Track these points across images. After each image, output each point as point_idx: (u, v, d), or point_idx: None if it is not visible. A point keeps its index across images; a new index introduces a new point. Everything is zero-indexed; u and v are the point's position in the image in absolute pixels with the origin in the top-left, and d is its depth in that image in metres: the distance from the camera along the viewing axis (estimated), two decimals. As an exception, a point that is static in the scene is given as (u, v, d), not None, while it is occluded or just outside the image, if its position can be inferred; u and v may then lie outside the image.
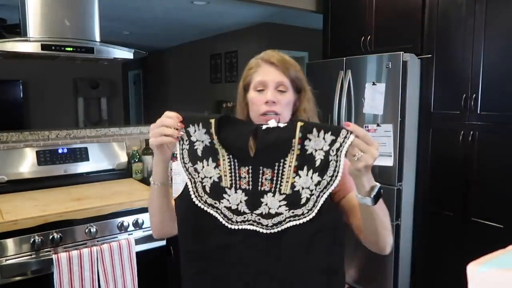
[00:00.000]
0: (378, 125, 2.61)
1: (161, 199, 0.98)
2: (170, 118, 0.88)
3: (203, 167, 0.87)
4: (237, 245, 0.86)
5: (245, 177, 0.86)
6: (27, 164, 2.17)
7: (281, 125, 0.85)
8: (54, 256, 1.63)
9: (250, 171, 0.86)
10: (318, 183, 0.82)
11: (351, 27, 3.01)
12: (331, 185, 0.82)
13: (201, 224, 0.88)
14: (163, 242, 1.97)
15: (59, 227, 1.72)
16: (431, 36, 2.51)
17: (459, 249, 2.41)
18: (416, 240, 2.68)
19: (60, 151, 2.28)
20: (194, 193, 0.88)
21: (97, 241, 1.80)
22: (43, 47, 1.95)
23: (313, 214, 0.82)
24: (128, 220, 1.89)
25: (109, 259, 1.75)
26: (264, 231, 0.84)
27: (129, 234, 1.89)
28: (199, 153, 0.87)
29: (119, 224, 1.86)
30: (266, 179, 0.85)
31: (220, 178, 0.87)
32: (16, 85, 6.13)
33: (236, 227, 0.85)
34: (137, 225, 1.91)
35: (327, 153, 0.81)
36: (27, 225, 1.64)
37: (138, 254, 1.84)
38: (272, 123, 0.85)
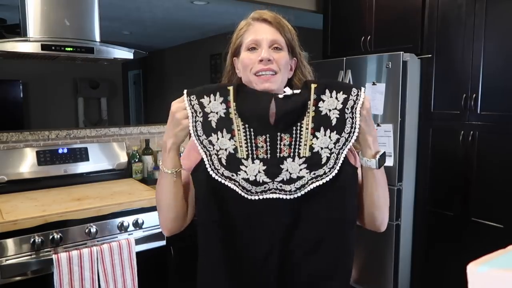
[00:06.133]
0: (378, 125, 2.61)
1: (176, 189, 0.94)
2: (177, 110, 0.89)
3: (217, 139, 0.86)
4: (258, 214, 0.87)
5: (262, 146, 0.85)
6: (27, 164, 2.17)
7: (296, 91, 0.86)
8: (54, 256, 1.63)
9: (268, 139, 0.85)
10: (337, 140, 0.84)
11: (351, 27, 3.01)
12: (350, 140, 0.85)
13: (220, 196, 0.88)
14: (163, 242, 1.97)
15: (59, 227, 1.72)
16: (431, 36, 2.51)
17: (459, 249, 2.41)
18: (416, 240, 2.67)
19: (60, 151, 2.28)
20: (210, 166, 0.87)
21: (97, 241, 1.80)
22: (43, 47, 1.95)
23: (335, 171, 0.84)
24: (128, 220, 1.89)
25: (109, 259, 1.75)
26: (288, 196, 0.85)
27: (129, 234, 1.89)
28: (213, 124, 0.86)
29: (119, 224, 1.86)
30: (284, 144, 0.85)
31: (235, 149, 0.86)
32: (16, 85, 6.12)
33: (256, 197, 0.85)
34: (137, 225, 1.91)
35: (342, 112, 0.84)
36: (27, 225, 1.64)
37: (138, 254, 1.84)
38: (288, 91, 0.86)
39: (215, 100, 0.86)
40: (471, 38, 2.30)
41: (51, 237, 1.69)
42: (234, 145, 0.86)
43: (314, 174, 0.85)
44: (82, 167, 2.32)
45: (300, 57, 0.99)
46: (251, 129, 0.85)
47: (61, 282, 1.63)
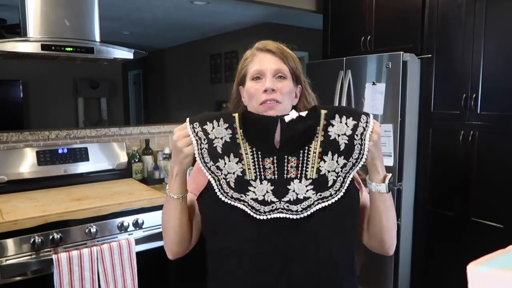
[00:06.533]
0: (378, 125, 2.61)
1: (182, 213, 0.95)
2: (179, 138, 0.89)
3: (225, 163, 0.87)
4: (267, 236, 0.87)
5: (270, 168, 0.87)
6: (27, 164, 2.17)
7: (303, 114, 0.87)
8: (54, 256, 1.63)
9: (275, 161, 0.87)
10: (344, 165, 0.86)
11: (351, 27, 3.01)
12: (357, 166, 0.86)
13: (230, 219, 0.89)
14: (163, 242, 1.96)
15: (59, 227, 1.72)
16: (431, 36, 2.51)
17: (459, 249, 2.41)
18: (416, 240, 2.67)
19: (60, 151, 2.28)
20: (219, 190, 0.88)
21: (97, 241, 1.80)
22: (43, 47, 1.95)
23: (341, 194, 0.86)
24: (128, 220, 1.89)
25: (109, 259, 1.75)
26: (294, 216, 0.86)
27: (129, 234, 1.89)
28: (219, 150, 0.87)
29: (119, 224, 1.86)
30: (291, 166, 0.87)
31: (243, 172, 0.87)
32: (16, 85, 6.12)
33: (265, 217, 0.86)
34: (137, 225, 1.91)
35: (351, 138, 0.85)
36: (27, 225, 1.64)
37: (138, 254, 1.84)
38: (293, 114, 0.87)
39: (218, 126, 0.87)
40: (471, 38, 2.30)
41: (51, 237, 1.69)
42: (242, 168, 0.87)
43: (320, 195, 0.86)
44: (82, 167, 2.32)
45: (304, 85, 1.03)
46: (259, 152, 0.87)
47: (61, 282, 1.63)
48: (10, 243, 1.62)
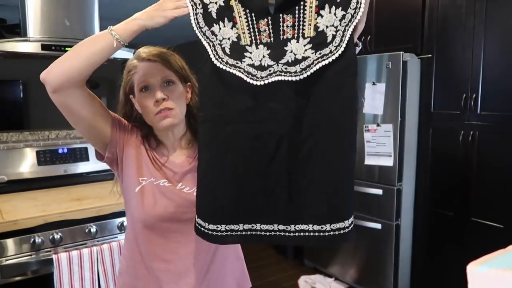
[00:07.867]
0: (378, 125, 2.61)
1: (105, 53, 0.91)
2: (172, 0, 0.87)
3: (220, 29, 0.85)
4: (266, 101, 0.84)
5: (265, 30, 0.83)
6: (27, 164, 2.17)
7: None
8: (54, 256, 1.63)
9: (270, 22, 0.83)
10: (343, 17, 0.80)
11: (351, 27, 3.01)
12: (356, 17, 0.79)
13: (226, 86, 0.86)
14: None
15: (59, 227, 1.72)
16: (431, 36, 2.51)
17: (459, 249, 2.41)
18: (416, 240, 2.67)
19: (60, 151, 2.27)
20: (214, 56, 0.85)
21: (97, 241, 1.80)
22: (43, 47, 1.95)
23: (341, 49, 0.80)
24: (128, 220, 1.89)
25: (109, 259, 1.75)
26: (294, 78, 0.81)
27: (129, 234, 1.89)
28: (214, 15, 0.85)
29: (119, 224, 1.86)
30: (287, 26, 0.82)
31: (238, 37, 0.84)
32: (16, 85, 6.12)
33: (263, 82, 0.82)
34: (137, 225, 1.91)
35: None
36: (27, 225, 1.64)
37: (138, 254, 1.84)
38: None
39: None
40: (471, 38, 2.30)
41: (51, 237, 1.69)
42: (237, 33, 0.84)
43: (320, 53, 0.80)
44: (82, 167, 2.31)
45: (193, 81, 1.07)
46: (252, 14, 0.83)
47: (61, 282, 1.63)
48: (10, 243, 1.62)
